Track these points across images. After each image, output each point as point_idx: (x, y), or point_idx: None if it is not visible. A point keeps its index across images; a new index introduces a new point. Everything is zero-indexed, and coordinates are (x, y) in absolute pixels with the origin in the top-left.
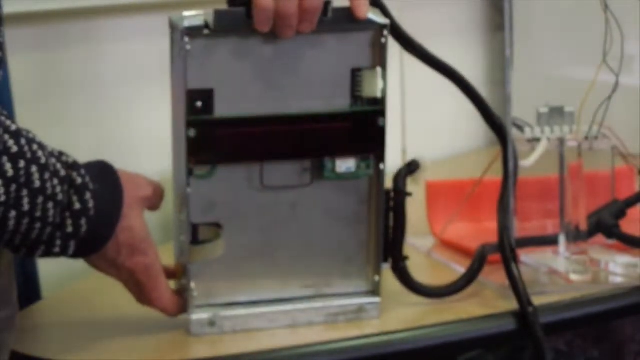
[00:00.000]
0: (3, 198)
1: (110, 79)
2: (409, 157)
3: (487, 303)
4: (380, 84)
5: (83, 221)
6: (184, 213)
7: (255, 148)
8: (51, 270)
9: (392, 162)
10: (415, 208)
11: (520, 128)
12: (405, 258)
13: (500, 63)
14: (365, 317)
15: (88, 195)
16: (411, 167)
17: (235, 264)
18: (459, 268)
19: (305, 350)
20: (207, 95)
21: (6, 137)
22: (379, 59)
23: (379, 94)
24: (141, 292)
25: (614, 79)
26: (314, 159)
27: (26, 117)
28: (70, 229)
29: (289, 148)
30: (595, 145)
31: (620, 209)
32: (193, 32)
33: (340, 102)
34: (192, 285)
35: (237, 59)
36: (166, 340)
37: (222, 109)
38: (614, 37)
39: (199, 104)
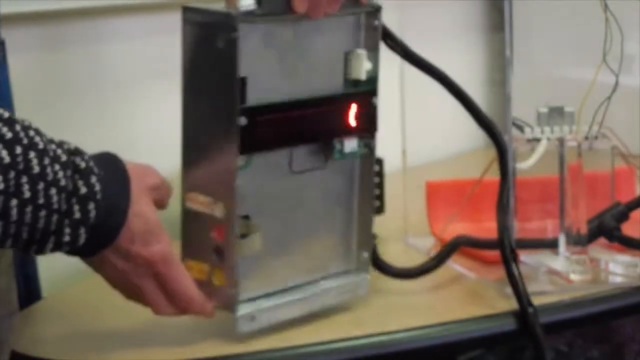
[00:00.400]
0: (2, 186)
1: (112, 79)
2: (409, 158)
3: (487, 303)
4: (364, 65)
5: (91, 206)
6: (227, 208)
7: (287, 134)
8: (51, 270)
9: (393, 162)
10: (416, 208)
11: (520, 128)
12: (375, 236)
13: (500, 63)
14: (359, 294)
15: (94, 179)
16: None
17: (261, 255)
18: (459, 268)
19: (305, 350)
20: (242, 83)
21: None
22: (370, 41)
23: (362, 76)
24: (162, 286)
25: (613, 79)
26: (326, 142)
27: (27, 117)
28: (78, 215)
29: (312, 132)
30: (595, 145)
31: (622, 212)
32: (245, 17)
33: (338, 85)
34: (238, 281)
35: (265, 45)
36: (167, 340)
37: (251, 96)
38: (614, 37)
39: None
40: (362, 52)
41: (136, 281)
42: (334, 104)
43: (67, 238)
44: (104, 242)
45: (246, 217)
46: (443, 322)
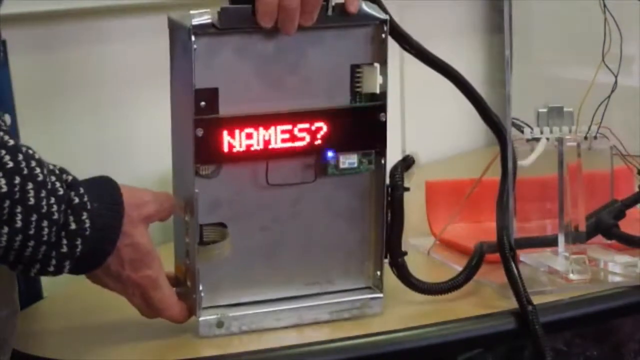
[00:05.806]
0: None
1: (111, 79)
2: None
3: (487, 303)
4: (379, 79)
5: (78, 241)
6: (191, 214)
7: (257, 146)
8: None
9: (392, 162)
10: (415, 208)
11: (519, 128)
12: (404, 254)
13: (499, 63)
14: (369, 313)
15: (85, 215)
16: (407, 162)
17: (240, 263)
18: (459, 268)
19: (307, 349)
20: (212, 94)
21: (2, 152)
22: (379, 54)
23: (377, 90)
24: (148, 304)
25: (612, 79)
26: (317, 156)
27: (28, 117)
28: (65, 249)
29: (292, 145)
30: (594, 145)
31: (620, 209)
32: (200, 30)
33: (341, 99)
34: (201, 287)
35: (241, 57)
36: (168, 339)
37: (226, 107)
38: (613, 37)
39: (203, 103)
40: (376, 66)
41: (126, 297)
42: (327, 118)
43: (51, 268)
44: (89, 268)
45: (221, 225)
46: (443, 322)
